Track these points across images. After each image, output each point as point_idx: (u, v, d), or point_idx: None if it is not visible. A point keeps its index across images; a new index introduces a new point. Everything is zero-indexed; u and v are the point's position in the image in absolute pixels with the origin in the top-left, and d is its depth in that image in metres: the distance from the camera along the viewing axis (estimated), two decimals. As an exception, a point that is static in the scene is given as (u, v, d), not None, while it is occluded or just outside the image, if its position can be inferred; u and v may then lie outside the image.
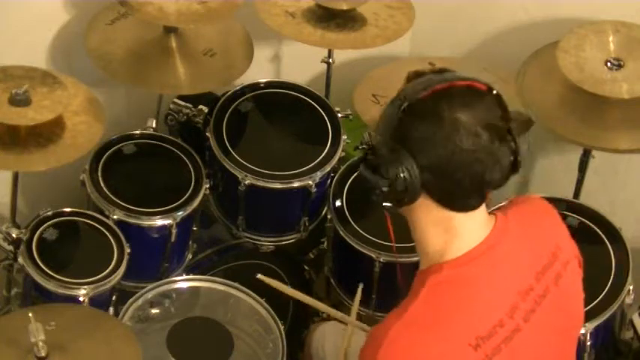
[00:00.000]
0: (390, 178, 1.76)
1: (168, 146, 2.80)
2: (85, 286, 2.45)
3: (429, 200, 1.80)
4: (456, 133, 1.73)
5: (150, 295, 2.55)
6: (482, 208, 1.83)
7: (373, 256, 2.59)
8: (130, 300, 2.52)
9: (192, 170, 2.75)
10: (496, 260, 1.83)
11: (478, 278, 1.81)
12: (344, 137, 2.80)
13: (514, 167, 1.80)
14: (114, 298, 2.58)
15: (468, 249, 1.82)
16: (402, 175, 1.75)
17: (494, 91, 1.79)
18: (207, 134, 2.77)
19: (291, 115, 2.87)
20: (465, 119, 1.73)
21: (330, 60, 2.97)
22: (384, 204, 1.82)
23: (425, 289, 1.81)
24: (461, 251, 1.82)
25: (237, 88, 2.86)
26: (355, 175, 2.76)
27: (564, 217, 2.27)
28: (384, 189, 1.78)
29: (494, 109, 1.77)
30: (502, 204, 2.02)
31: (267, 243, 2.86)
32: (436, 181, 1.77)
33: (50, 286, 2.44)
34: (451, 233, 1.82)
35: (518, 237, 1.87)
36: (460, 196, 1.80)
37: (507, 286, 1.83)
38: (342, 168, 2.78)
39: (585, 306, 2.02)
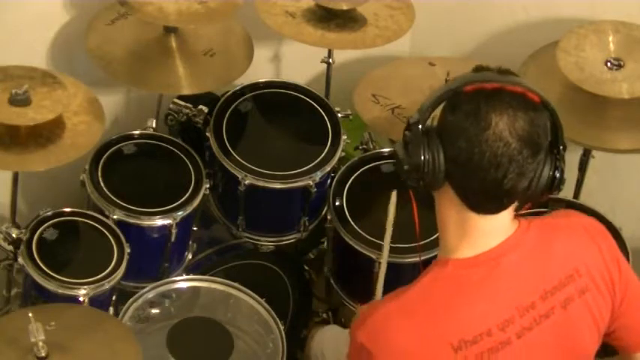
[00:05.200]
0: (414, 158, 1.79)
1: (168, 146, 2.79)
2: (85, 286, 2.45)
3: (452, 192, 1.81)
4: (484, 134, 1.73)
5: (150, 295, 2.55)
6: (504, 214, 1.83)
7: (373, 256, 2.59)
8: (130, 300, 2.52)
9: (192, 170, 2.75)
10: (500, 271, 1.82)
11: (477, 284, 1.81)
12: (344, 137, 2.80)
13: (551, 186, 1.80)
14: (114, 298, 2.58)
15: (476, 253, 1.83)
16: (424, 157, 1.78)
17: (549, 107, 1.79)
18: (207, 134, 2.77)
19: (291, 115, 2.86)
20: (498, 124, 1.73)
21: (330, 60, 2.97)
22: (408, 183, 1.84)
23: (425, 279, 1.84)
24: (469, 253, 1.83)
25: (237, 88, 2.86)
26: (355, 175, 2.76)
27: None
28: (405, 167, 1.82)
29: (539, 123, 1.76)
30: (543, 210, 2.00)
31: (267, 243, 2.86)
32: (458, 174, 1.79)
33: (50, 286, 2.44)
34: (465, 232, 1.83)
35: (532, 251, 1.85)
36: (477, 196, 1.80)
37: (505, 299, 1.82)
38: (342, 168, 2.78)
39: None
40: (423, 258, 2.47)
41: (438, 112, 1.84)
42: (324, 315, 2.85)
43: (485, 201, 1.81)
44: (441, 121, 1.80)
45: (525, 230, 1.86)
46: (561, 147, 1.82)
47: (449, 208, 1.84)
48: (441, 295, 1.81)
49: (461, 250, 1.84)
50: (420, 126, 1.80)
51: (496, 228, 1.84)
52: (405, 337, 1.79)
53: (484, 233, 1.83)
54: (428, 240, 2.42)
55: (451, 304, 1.80)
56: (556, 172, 1.81)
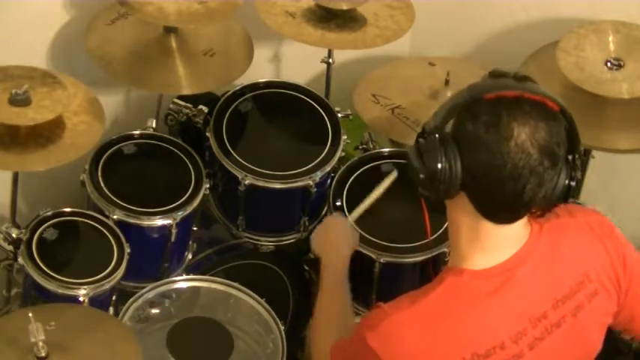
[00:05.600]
0: (430, 167, 1.75)
1: (168, 146, 2.79)
2: (85, 286, 2.45)
3: (466, 201, 1.78)
4: (506, 145, 1.71)
5: (150, 295, 2.55)
6: (519, 222, 1.81)
7: (373, 256, 2.58)
8: (130, 300, 2.52)
9: (192, 170, 2.75)
10: (514, 283, 1.81)
11: (490, 296, 1.80)
12: (344, 137, 2.80)
13: (565, 195, 1.79)
14: (114, 298, 2.58)
15: (491, 265, 1.81)
16: (441, 166, 1.74)
17: (567, 115, 1.76)
18: (207, 134, 2.77)
19: (291, 115, 2.86)
20: (520, 134, 1.70)
21: (330, 60, 2.97)
22: (420, 191, 1.80)
23: (440, 289, 1.81)
24: (483, 264, 1.81)
25: (237, 88, 2.86)
26: (355, 175, 2.76)
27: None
28: (421, 176, 1.77)
29: (558, 133, 1.74)
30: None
31: (267, 243, 2.85)
32: (475, 184, 1.75)
33: (50, 286, 2.44)
34: (479, 241, 1.81)
35: (544, 258, 1.84)
36: (494, 207, 1.78)
37: (519, 311, 1.81)
38: (342, 168, 2.78)
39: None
40: (428, 256, 2.48)
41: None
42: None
43: (502, 211, 1.78)
44: (458, 129, 1.76)
45: (537, 236, 1.84)
46: (577, 155, 1.79)
47: (462, 215, 1.81)
48: (456, 307, 1.80)
49: (474, 259, 1.82)
50: (437, 134, 1.76)
51: (510, 236, 1.82)
52: (417, 348, 1.78)
53: (498, 242, 1.81)
54: (430, 239, 2.42)
55: (465, 316, 1.79)
56: (571, 181, 1.78)
